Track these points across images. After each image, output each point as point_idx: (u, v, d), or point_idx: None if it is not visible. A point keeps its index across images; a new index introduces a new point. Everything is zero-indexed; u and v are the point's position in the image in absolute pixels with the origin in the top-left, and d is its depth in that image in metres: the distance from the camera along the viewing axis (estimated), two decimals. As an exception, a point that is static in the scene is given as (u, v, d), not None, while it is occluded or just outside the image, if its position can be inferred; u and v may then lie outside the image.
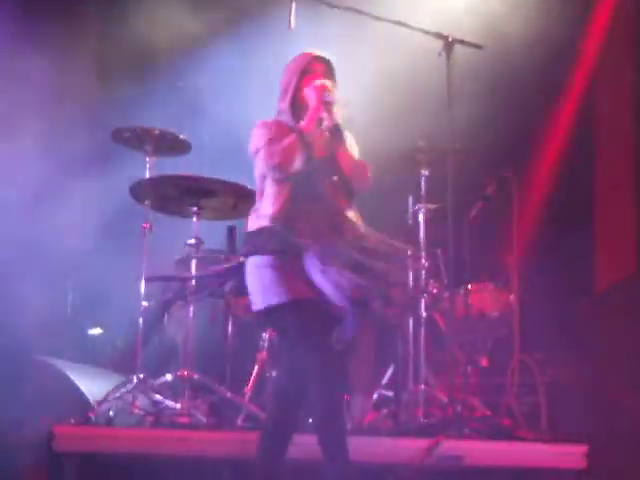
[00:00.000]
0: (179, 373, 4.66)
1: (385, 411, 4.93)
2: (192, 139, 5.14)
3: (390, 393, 4.98)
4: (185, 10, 6.41)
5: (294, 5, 4.33)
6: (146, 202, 4.89)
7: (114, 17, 6.59)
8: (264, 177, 3.77)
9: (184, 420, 4.53)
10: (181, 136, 5.08)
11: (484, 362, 5.13)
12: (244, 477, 3.96)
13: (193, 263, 4.84)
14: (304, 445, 3.76)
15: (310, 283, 3.57)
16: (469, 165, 5.00)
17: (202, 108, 6.45)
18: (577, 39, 6.43)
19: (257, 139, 3.78)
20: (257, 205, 3.79)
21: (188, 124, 5.90)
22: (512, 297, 5.07)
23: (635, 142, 5.90)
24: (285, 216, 3.65)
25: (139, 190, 4.88)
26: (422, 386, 4.81)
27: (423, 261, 4.97)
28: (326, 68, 3.90)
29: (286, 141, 3.67)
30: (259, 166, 3.77)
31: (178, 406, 4.58)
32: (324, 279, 3.55)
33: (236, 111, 5.58)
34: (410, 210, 5.15)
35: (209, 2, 6.56)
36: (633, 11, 6.17)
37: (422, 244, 5.02)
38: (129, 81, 6.41)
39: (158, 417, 4.52)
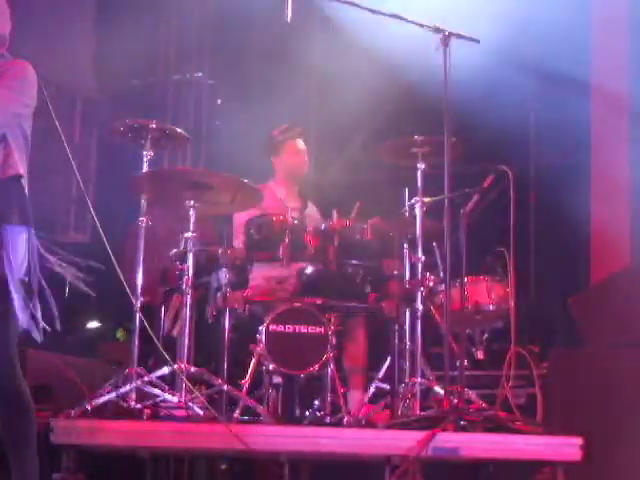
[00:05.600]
0: (176, 366, 4.67)
1: (381, 404, 4.96)
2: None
3: (386, 386, 5.00)
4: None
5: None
6: (143, 196, 4.89)
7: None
8: None
9: (181, 413, 4.54)
10: (179, 130, 5.08)
11: (480, 354, 5.15)
12: (241, 469, 3.98)
13: (190, 256, 4.84)
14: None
15: None
16: (466, 158, 5.00)
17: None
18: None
19: None
20: None
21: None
22: (508, 290, 5.08)
23: (630, 137, 5.92)
24: None
25: (136, 184, 4.89)
26: (418, 379, 4.82)
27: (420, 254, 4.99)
28: None
29: None
30: None
31: (175, 399, 4.59)
32: None
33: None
34: (406, 203, 5.15)
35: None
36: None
37: (418, 237, 5.02)
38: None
39: (155, 410, 4.54)
